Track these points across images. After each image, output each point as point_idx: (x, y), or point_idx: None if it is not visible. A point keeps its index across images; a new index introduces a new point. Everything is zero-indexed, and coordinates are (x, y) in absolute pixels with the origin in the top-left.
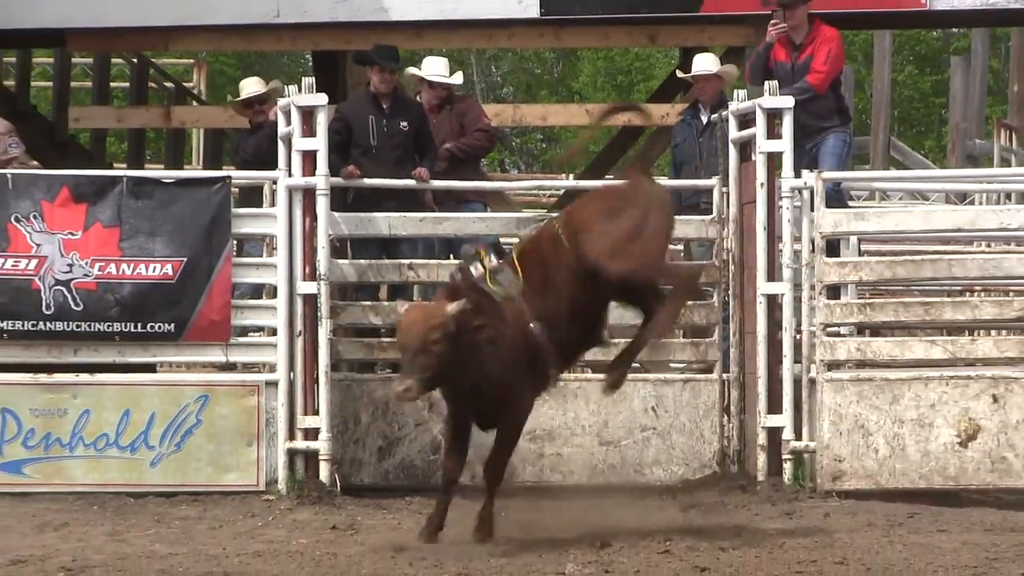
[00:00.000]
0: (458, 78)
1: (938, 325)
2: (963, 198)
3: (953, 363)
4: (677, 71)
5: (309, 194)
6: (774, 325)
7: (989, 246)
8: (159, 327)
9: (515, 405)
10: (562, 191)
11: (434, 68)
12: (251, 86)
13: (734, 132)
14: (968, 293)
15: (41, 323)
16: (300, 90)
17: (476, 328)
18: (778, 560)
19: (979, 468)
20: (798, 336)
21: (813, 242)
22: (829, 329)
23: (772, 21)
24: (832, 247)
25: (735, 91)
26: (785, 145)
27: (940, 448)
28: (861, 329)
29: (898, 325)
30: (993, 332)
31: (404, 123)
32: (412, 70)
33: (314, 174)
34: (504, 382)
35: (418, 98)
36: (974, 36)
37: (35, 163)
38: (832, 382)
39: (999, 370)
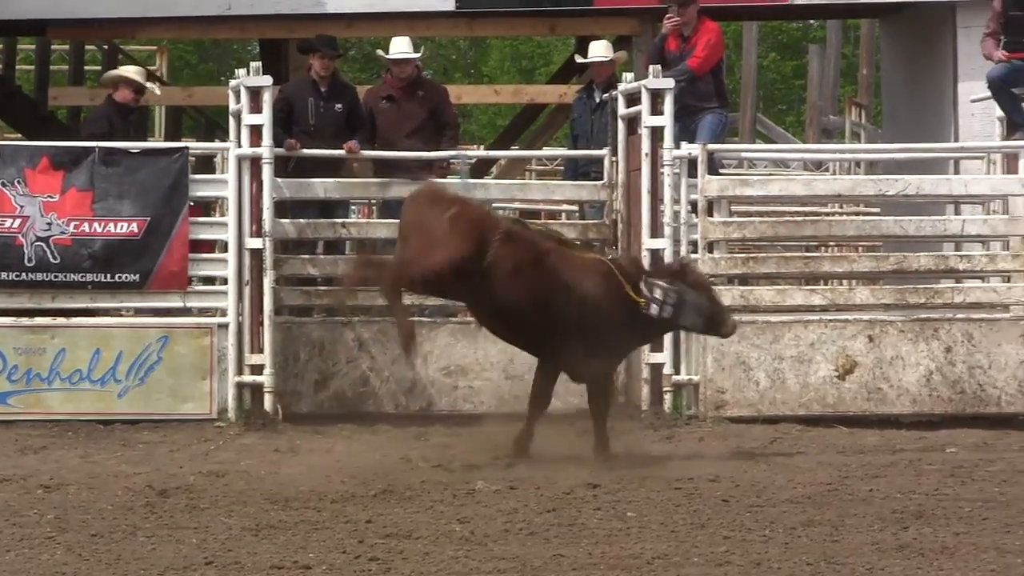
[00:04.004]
0: (419, 52)
1: (817, 276)
2: (819, 166)
3: (831, 309)
4: (576, 56)
5: (256, 163)
6: None
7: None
8: (126, 277)
9: None
10: (473, 160)
11: (398, 47)
12: (135, 74)
13: (623, 109)
14: (823, 250)
15: (24, 274)
16: (248, 73)
17: None
18: (660, 477)
19: (856, 397)
20: None
21: (696, 204)
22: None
23: (667, 15)
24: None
25: (624, 74)
26: (667, 121)
27: (819, 381)
28: (745, 281)
29: (779, 276)
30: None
31: (339, 105)
32: (380, 53)
33: (260, 145)
34: None
35: (387, 75)
36: (829, 27)
37: (18, 135)
38: None
39: (875, 314)
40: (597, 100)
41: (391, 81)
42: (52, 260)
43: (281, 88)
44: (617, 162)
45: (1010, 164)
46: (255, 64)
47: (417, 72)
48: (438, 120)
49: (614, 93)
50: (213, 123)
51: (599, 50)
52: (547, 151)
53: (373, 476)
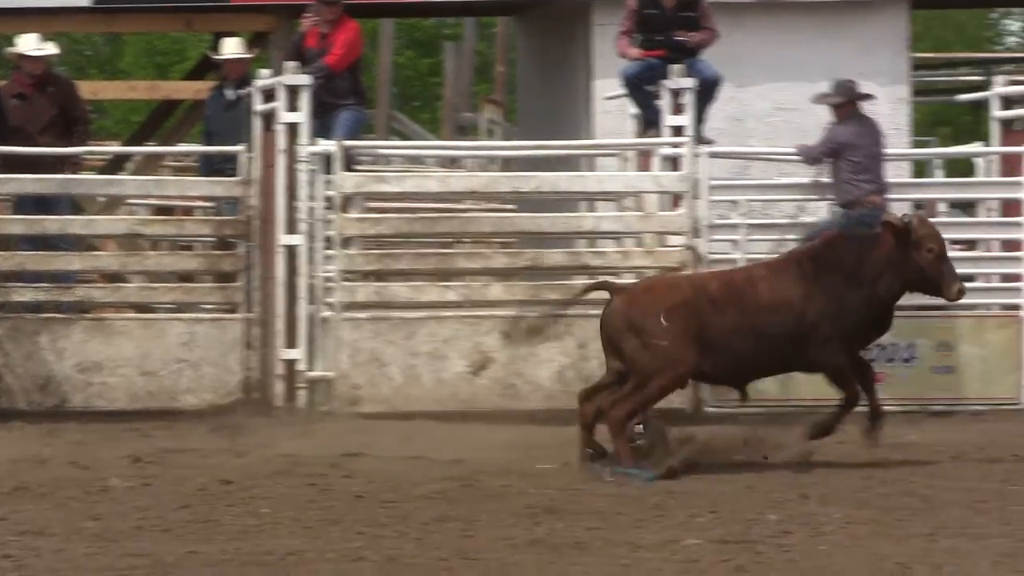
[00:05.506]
0: (52, 48)
1: (452, 272)
2: (454, 163)
3: (465, 305)
4: (209, 53)
5: None
6: (291, 271)
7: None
8: None
9: None
10: (111, 156)
11: (28, 43)
12: None
13: (259, 105)
14: (459, 246)
15: None
16: None
17: None
18: (292, 473)
19: (490, 393)
20: (313, 281)
21: (332, 200)
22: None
23: (305, 14)
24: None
25: (259, 70)
26: (303, 117)
27: (453, 376)
28: (380, 277)
29: (414, 273)
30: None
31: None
32: (9, 50)
33: None
34: None
35: (16, 72)
36: (465, 24)
37: None
38: (350, 320)
39: (509, 310)
40: (230, 97)
41: (20, 78)
42: None
43: None
44: (253, 158)
45: (643, 161)
46: None
47: (48, 69)
48: (69, 116)
49: (248, 90)
50: None
51: (232, 47)
52: (182, 147)
53: (5, 473)
